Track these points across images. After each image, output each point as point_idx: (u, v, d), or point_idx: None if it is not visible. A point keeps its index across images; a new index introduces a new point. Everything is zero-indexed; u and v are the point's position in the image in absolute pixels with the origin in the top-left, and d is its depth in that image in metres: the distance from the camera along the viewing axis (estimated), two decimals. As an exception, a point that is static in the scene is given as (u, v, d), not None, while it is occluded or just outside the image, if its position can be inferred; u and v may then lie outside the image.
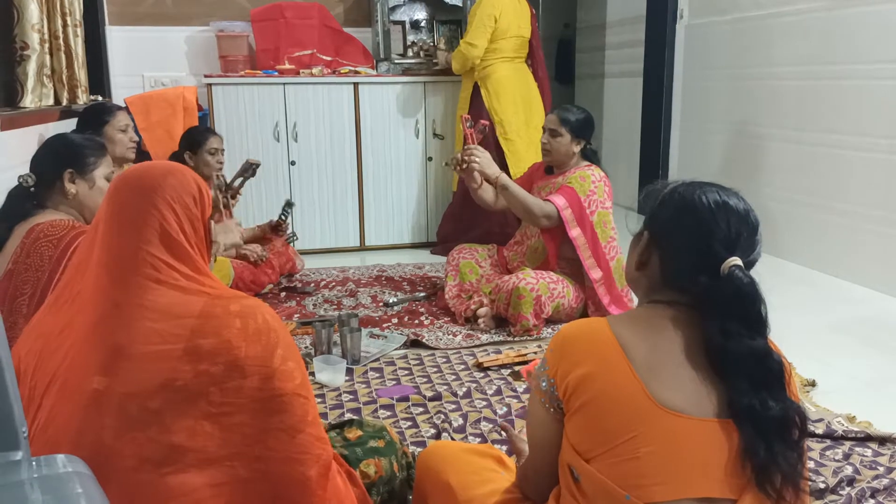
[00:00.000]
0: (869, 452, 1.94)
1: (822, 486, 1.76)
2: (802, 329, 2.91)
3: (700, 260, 1.11)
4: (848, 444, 1.98)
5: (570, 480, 1.11)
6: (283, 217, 3.57)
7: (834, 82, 3.59)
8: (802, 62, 3.79)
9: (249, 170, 3.37)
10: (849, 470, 1.83)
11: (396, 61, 4.51)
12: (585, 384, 1.09)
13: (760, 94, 4.12)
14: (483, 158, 2.96)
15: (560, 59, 7.16)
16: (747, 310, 1.07)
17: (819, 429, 2.04)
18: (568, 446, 1.12)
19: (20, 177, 2.05)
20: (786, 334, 2.80)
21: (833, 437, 2.01)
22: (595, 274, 2.94)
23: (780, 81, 3.96)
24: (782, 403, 1.05)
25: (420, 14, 4.72)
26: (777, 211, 4.01)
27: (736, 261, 1.09)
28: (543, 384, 1.15)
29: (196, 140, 3.34)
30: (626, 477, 1.04)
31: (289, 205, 3.58)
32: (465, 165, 2.97)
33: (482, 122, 3.15)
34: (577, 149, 2.99)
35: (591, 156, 3.05)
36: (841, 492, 1.76)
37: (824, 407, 2.22)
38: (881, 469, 1.85)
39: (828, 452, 1.94)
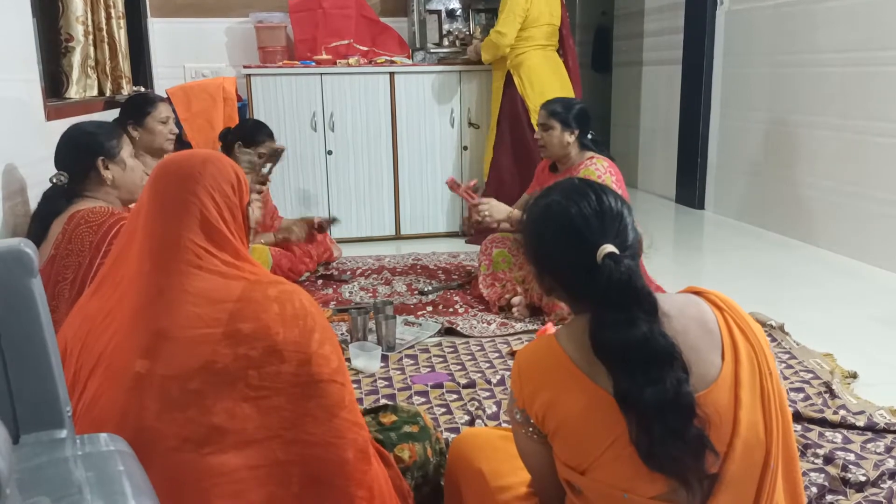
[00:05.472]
0: (912, 446, 1.90)
1: (862, 478, 1.73)
2: (844, 320, 2.86)
3: (577, 260, 1.10)
4: (890, 437, 1.94)
5: (572, 493, 1.13)
6: (326, 222, 3.66)
7: (880, 69, 3.49)
8: (847, 48, 3.69)
9: (276, 156, 3.38)
10: (890, 463, 1.80)
11: (432, 51, 4.50)
12: (551, 411, 1.09)
13: (803, 81, 4.02)
14: (491, 209, 3.00)
15: (597, 47, 7.06)
16: (621, 298, 1.05)
17: (860, 421, 2.00)
18: (560, 464, 1.13)
19: (52, 177, 2.09)
20: (827, 325, 2.77)
21: (875, 430, 1.97)
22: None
23: (823, 68, 3.86)
24: (659, 387, 1.00)
25: (455, 3, 4.70)
26: (819, 200, 3.92)
27: (608, 248, 1.07)
28: (518, 416, 1.15)
29: (254, 139, 3.33)
30: (620, 478, 1.06)
31: (335, 220, 3.75)
32: (479, 222, 3.03)
33: (471, 182, 3.18)
34: (570, 139, 2.94)
35: (591, 146, 3.01)
36: (882, 485, 1.73)
37: (866, 399, 2.17)
38: (924, 463, 1.81)
39: (869, 445, 1.90)
